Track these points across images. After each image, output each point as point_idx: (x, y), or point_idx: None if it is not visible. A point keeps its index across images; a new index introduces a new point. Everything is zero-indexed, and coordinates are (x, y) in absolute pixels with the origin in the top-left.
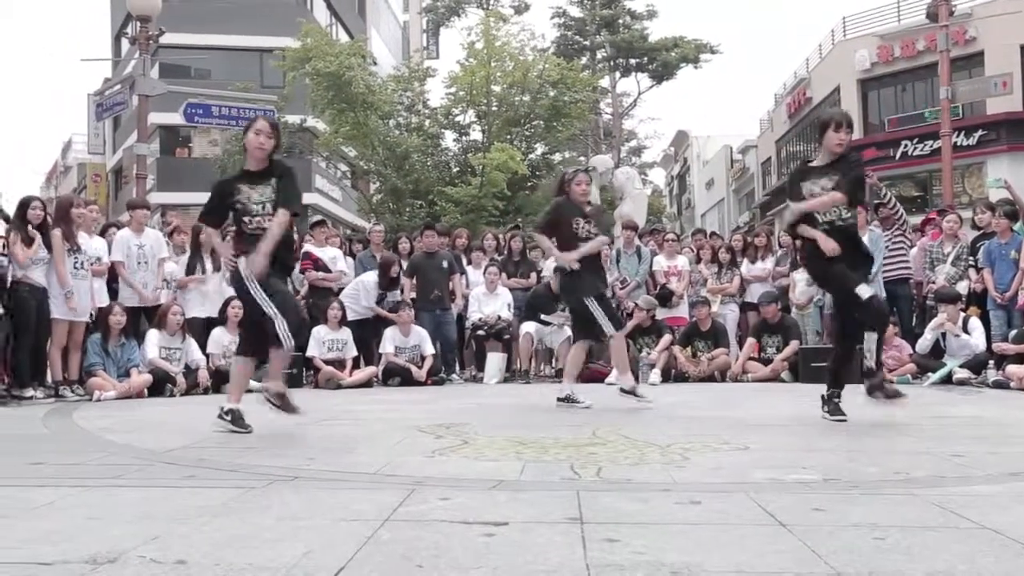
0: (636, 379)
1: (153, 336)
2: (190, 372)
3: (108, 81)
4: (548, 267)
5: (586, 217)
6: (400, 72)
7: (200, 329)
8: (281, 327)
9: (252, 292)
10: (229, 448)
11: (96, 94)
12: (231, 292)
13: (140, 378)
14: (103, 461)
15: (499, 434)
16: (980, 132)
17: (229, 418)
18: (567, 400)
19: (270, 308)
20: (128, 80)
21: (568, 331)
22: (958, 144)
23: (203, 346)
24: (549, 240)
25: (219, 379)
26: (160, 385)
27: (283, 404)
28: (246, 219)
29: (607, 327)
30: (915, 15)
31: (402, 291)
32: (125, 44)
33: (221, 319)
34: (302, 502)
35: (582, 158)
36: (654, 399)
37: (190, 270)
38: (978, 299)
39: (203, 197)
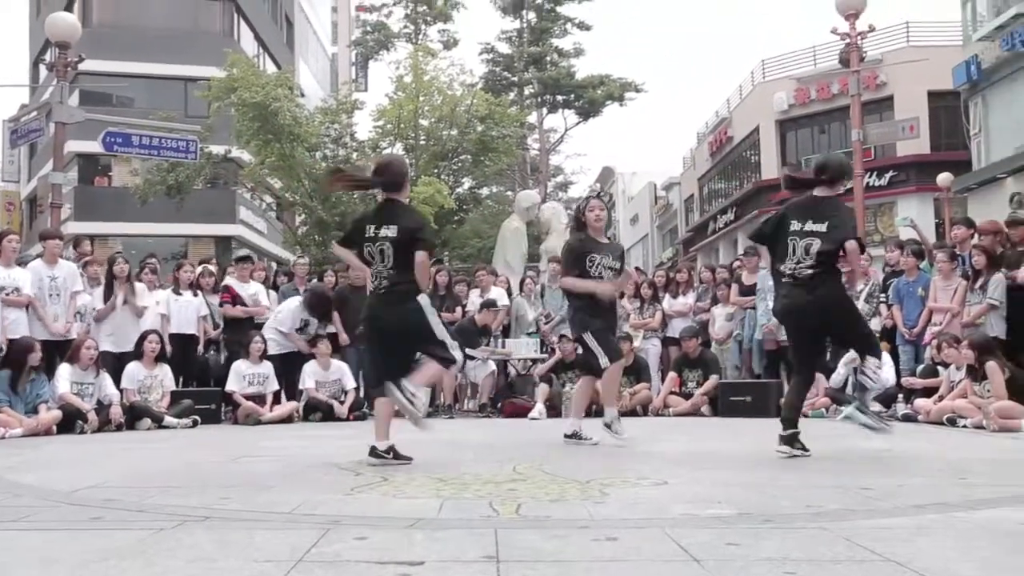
0: (559, 414)
1: (65, 371)
2: (103, 408)
3: (24, 107)
4: (473, 302)
5: (602, 251)
6: (328, 104)
7: (113, 364)
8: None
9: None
10: (141, 487)
11: (11, 120)
12: (147, 326)
13: (49, 414)
14: (6, 503)
15: (420, 471)
16: (891, 173)
17: (391, 455)
18: (574, 436)
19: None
20: (45, 107)
21: (492, 365)
22: (870, 184)
23: (116, 382)
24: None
25: (133, 415)
26: (71, 421)
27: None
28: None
29: (602, 359)
30: (830, 59)
31: (326, 325)
32: (44, 70)
33: (136, 354)
34: (214, 543)
35: (510, 193)
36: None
37: (106, 303)
38: (888, 335)
39: (122, 227)
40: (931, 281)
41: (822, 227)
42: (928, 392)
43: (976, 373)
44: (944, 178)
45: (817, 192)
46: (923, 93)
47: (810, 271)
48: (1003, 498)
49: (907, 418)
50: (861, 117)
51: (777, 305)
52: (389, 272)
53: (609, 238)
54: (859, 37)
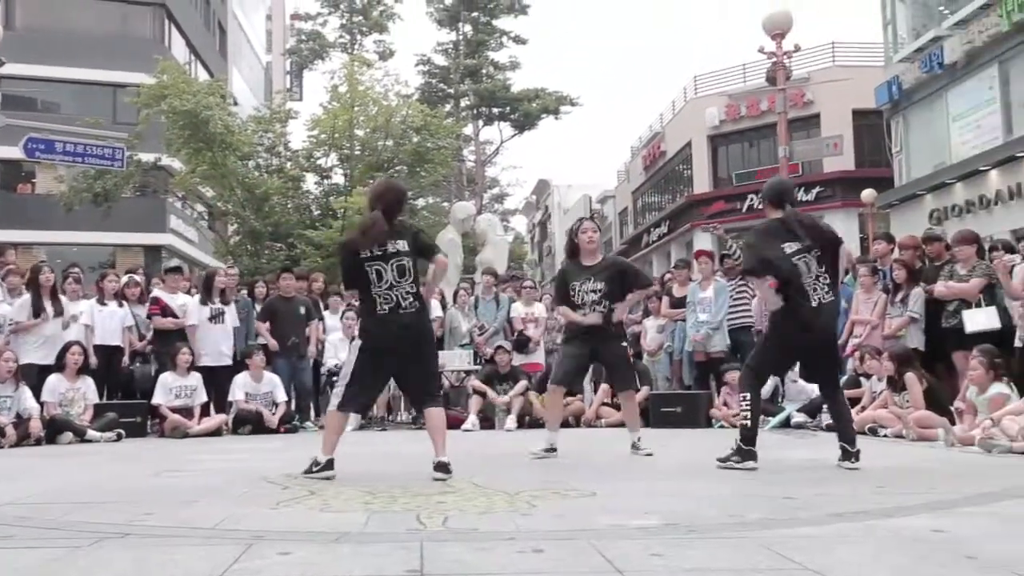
0: (492, 425)
1: None
2: (21, 422)
3: None
4: None
5: (583, 277)
6: (261, 113)
7: (35, 376)
8: (338, 388)
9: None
10: (59, 504)
11: None
12: (70, 337)
13: None
14: None
15: (349, 484)
16: (818, 188)
17: (318, 469)
18: (635, 448)
19: (348, 367)
20: None
21: None
22: (799, 199)
23: (37, 394)
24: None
25: (53, 429)
26: None
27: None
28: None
29: (551, 376)
30: (760, 77)
31: (257, 335)
32: None
33: (58, 366)
34: (130, 561)
35: (445, 204)
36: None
37: (35, 313)
38: None
39: (47, 236)
40: (853, 294)
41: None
42: (851, 402)
43: (895, 384)
44: (868, 194)
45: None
46: (848, 111)
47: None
48: (918, 505)
49: (831, 428)
50: (788, 134)
51: (792, 317)
52: (411, 286)
53: (604, 256)
54: (785, 56)
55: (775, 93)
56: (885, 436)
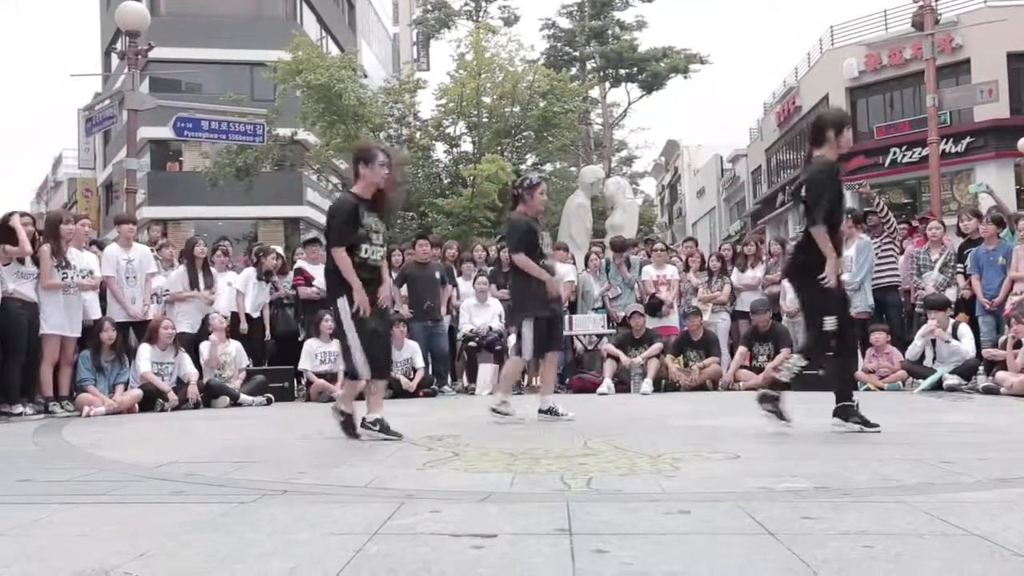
0: (627, 388)
1: (145, 351)
2: (181, 386)
3: (98, 96)
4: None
5: (540, 234)
6: (390, 84)
7: (188, 345)
8: (359, 356)
9: (343, 321)
10: (220, 463)
11: (86, 109)
12: (219, 305)
13: (130, 393)
14: (92, 477)
15: (490, 446)
16: (968, 139)
17: (377, 428)
18: (549, 412)
19: (354, 339)
20: (117, 95)
21: None
22: (946, 151)
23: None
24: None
25: (210, 393)
26: (151, 400)
27: (344, 424)
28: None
29: (525, 352)
30: (902, 23)
31: (393, 302)
32: (115, 59)
33: (204, 334)
34: (291, 516)
35: (573, 168)
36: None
37: (191, 285)
38: (967, 305)
39: (194, 211)
40: (1012, 249)
41: None
42: (999, 366)
43: None
44: None
45: None
46: (1002, 55)
47: None
48: None
49: (988, 391)
50: (936, 82)
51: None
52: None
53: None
54: None
55: (921, 39)
56: None
